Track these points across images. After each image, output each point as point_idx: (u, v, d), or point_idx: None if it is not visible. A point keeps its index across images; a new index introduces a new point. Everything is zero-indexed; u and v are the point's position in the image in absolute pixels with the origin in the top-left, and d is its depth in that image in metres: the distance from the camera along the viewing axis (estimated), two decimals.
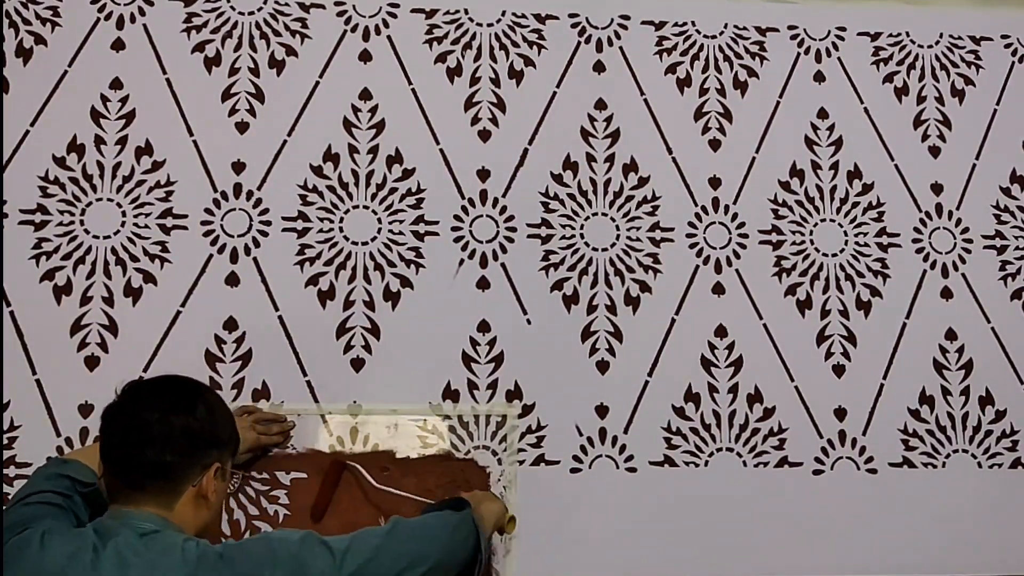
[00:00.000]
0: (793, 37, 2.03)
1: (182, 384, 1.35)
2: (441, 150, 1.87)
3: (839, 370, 1.86)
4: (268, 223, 1.80)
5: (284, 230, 1.80)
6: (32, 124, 1.79)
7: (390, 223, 1.83)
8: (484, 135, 1.89)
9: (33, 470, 1.61)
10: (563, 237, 1.86)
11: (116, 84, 1.84)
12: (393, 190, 1.84)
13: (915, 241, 1.94)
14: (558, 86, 1.93)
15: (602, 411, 1.79)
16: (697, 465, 1.78)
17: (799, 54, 2.02)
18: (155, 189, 1.79)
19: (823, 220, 1.93)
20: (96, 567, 1.15)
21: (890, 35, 2.05)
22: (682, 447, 1.79)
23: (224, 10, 1.89)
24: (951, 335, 1.90)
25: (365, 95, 1.89)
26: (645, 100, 1.95)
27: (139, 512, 1.22)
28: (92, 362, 1.70)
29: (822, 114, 1.99)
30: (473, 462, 1.73)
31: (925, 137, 2.00)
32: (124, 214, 1.78)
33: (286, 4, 1.91)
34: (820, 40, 2.03)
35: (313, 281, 1.79)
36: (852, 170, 1.96)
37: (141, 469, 1.23)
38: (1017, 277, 1.94)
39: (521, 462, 1.74)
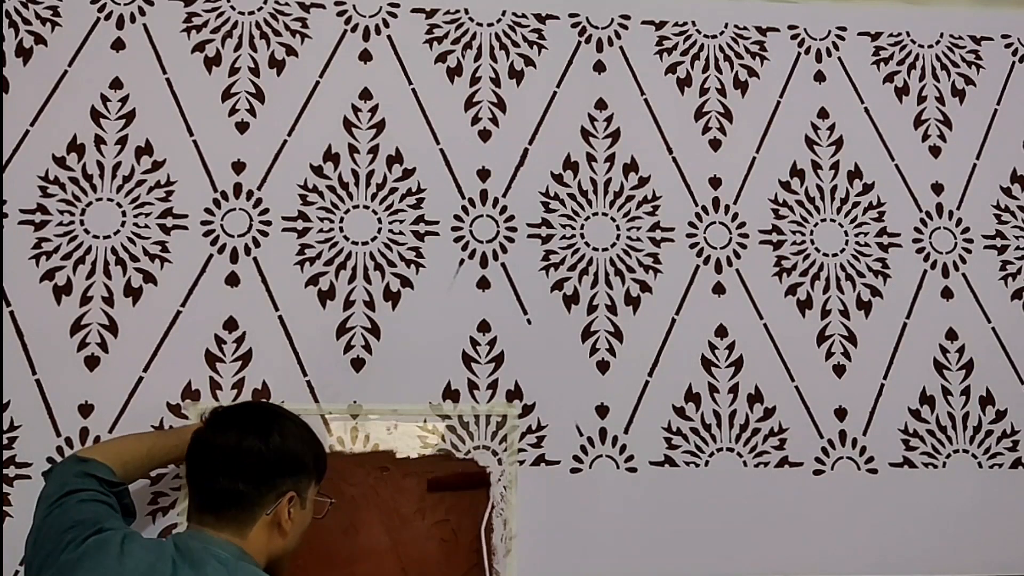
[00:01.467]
0: (793, 37, 2.02)
1: (259, 410, 1.39)
2: (441, 150, 1.87)
3: (839, 370, 1.86)
4: (268, 223, 1.80)
5: (284, 230, 1.80)
6: (32, 124, 1.79)
7: (390, 223, 1.83)
8: (484, 135, 1.89)
9: (33, 470, 1.62)
10: (563, 237, 1.86)
11: (116, 84, 1.83)
12: (393, 190, 1.84)
13: (915, 241, 1.94)
14: (558, 86, 1.93)
15: (602, 411, 1.79)
16: (697, 465, 1.78)
17: (799, 54, 2.01)
18: (155, 189, 1.79)
19: (823, 220, 1.93)
20: None
21: (890, 35, 2.05)
22: (682, 447, 1.79)
23: (224, 10, 1.89)
24: (952, 335, 1.90)
25: (365, 95, 1.89)
26: (645, 100, 1.95)
27: (217, 538, 1.24)
28: (92, 362, 1.70)
29: (822, 114, 1.99)
30: (473, 462, 1.73)
31: (926, 137, 2.00)
32: (124, 214, 1.78)
33: (286, 4, 1.91)
34: (820, 40, 2.03)
35: (313, 281, 1.79)
36: (852, 170, 1.96)
37: (216, 496, 1.26)
38: (1018, 277, 1.94)
39: (521, 462, 1.74)
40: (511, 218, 1.86)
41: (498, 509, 1.71)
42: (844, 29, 2.04)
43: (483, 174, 1.87)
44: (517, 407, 1.77)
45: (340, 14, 1.92)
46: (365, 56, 1.91)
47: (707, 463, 1.79)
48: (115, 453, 1.44)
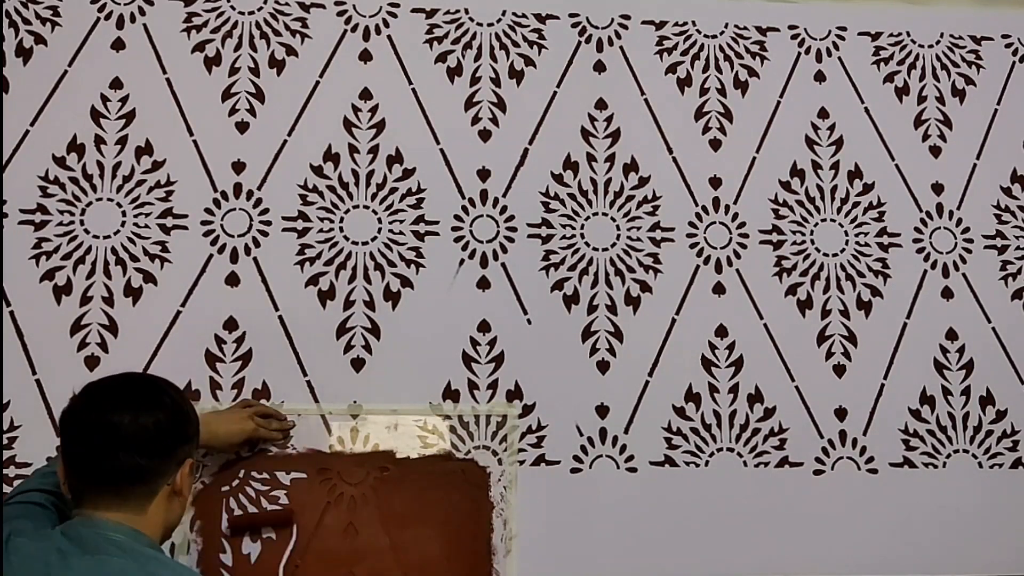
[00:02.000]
0: (794, 37, 2.02)
1: (144, 382, 1.34)
2: (441, 150, 1.87)
3: (840, 370, 1.86)
4: (268, 223, 1.80)
5: (284, 230, 1.80)
6: (32, 124, 1.79)
7: (390, 223, 1.83)
8: (484, 135, 1.89)
9: (32, 470, 1.62)
10: (563, 237, 1.86)
11: (116, 84, 1.83)
12: (393, 190, 1.84)
13: (916, 241, 1.94)
14: (558, 86, 1.93)
15: (602, 411, 1.79)
16: (698, 465, 1.78)
17: (800, 54, 2.01)
18: (155, 189, 1.79)
19: (824, 220, 1.93)
20: (68, 568, 1.13)
21: (891, 35, 2.05)
22: (682, 447, 1.79)
23: (224, 10, 1.89)
24: (952, 335, 1.90)
25: (365, 95, 1.89)
26: (645, 100, 1.95)
27: (108, 521, 1.19)
28: (92, 362, 1.70)
29: (823, 114, 1.99)
30: (473, 462, 1.73)
31: (926, 137, 2.00)
32: (124, 214, 1.78)
33: (286, 4, 1.91)
34: (821, 40, 2.03)
35: (313, 281, 1.79)
36: (853, 170, 1.96)
37: (114, 474, 1.20)
38: (1018, 277, 1.94)
39: (521, 462, 1.74)
40: (511, 218, 1.86)
41: (498, 509, 1.71)
42: (844, 29, 2.04)
43: (483, 174, 1.87)
44: (517, 407, 1.77)
45: (340, 14, 1.92)
46: (365, 56, 1.91)
47: (707, 463, 1.79)
48: None
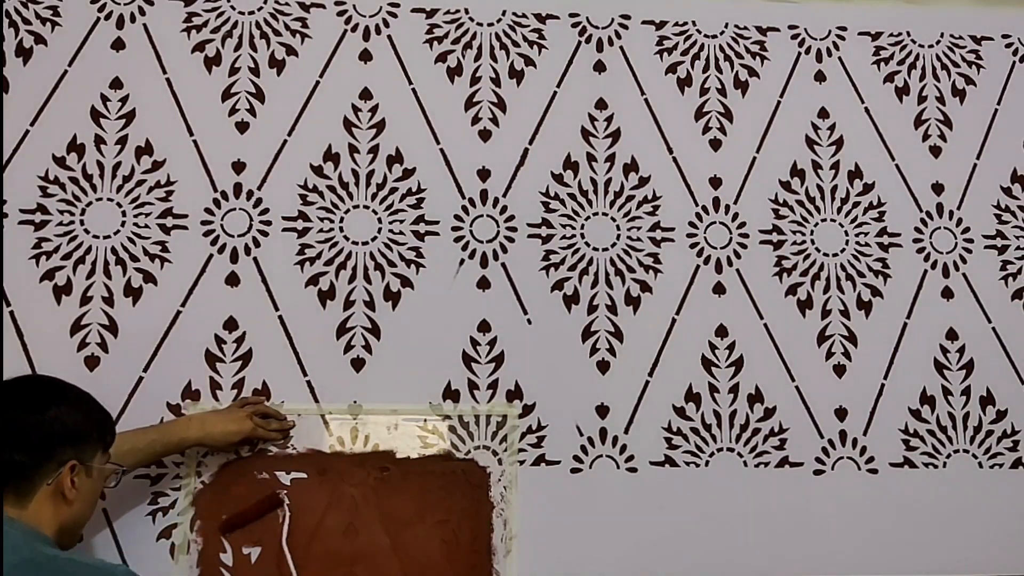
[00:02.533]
0: (794, 37, 2.02)
1: (37, 383, 1.40)
2: (441, 150, 1.87)
3: (840, 370, 1.85)
4: (268, 223, 1.80)
5: (284, 230, 1.80)
6: (32, 124, 1.79)
7: (390, 223, 1.83)
8: (484, 135, 1.89)
9: None
10: (564, 237, 1.86)
11: (116, 84, 1.83)
12: (393, 190, 1.84)
13: (916, 241, 1.94)
14: (559, 86, 1.93)
15: (603, 411, 1.79)
16: (698, 465, 1.78)
17: (800, 54, 2.01)
18: (155, 189, 1.79)
19: (824, 220, 1.93)
20: None
21: (891, 35, 2.05)
22: (683, 447, 1.79)
23: (224, 10, 1.89)
24: (952, 335, 1.90)
25: (365, 95, 1.88)
26: (646, 100, 1.95)
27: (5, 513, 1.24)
28: (92, 362, 1.70)
29: (823, 114, 1.99)
30: (473, 462, 1.73)
31: (926, 137, 2.00)
32: (124, 214, 1.78)
33: (286, 4, 1.91)
34: (821, 40, 2.03)
35: (313, 281, 1.78)
36: (853, 170, 1.96)
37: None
38: (1018, 277, 1.94)
39: (521, 462, 1.74)
40: (511, 218, 1.86)
41: (498, 509, 1.71)
42: (844, 29, 2.04)
43: (483, 174, 1.87)
44: (517, 407, 1.77)
45: (340, 14, 1.92)
46: (365, 56, 1.90)
47: (707, 463, 1.79)
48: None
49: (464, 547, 1.68)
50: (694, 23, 2.00)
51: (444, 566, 1.66)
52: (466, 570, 1.67)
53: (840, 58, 2.02)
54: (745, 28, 2.01)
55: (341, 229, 1.82)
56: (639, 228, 1.88)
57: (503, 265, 1.83)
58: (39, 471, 1.28)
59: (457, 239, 1.83)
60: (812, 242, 1.92)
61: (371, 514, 1.67)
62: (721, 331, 1.85)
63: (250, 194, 1.81)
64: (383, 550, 1.65)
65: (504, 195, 1.87)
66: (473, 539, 1.68)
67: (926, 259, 1.93)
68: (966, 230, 1.96)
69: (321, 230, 1.81)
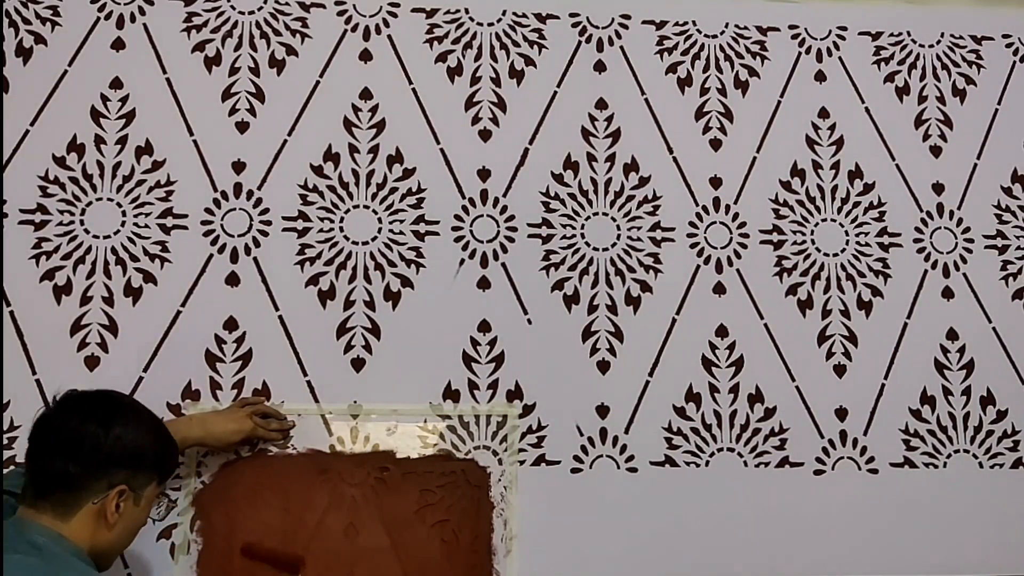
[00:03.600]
0: (794, 37, 2.02)
1: (109, 399, 1.35)
2: (442, 150, 1.87)
3: (840, 370, 1.85)
4: (268, 223, 1.80)
5: (284, 230, 1.80)
6: (32, 124, 1.79)
7: (390, 223, 1.83)
8: (485, 135, 1.89)
9: None
10: (564, 237, 1.86)
11: (116, 83, 1.83)
12: (393, 190, 1.84)
13: (916, 241, 1.94)
14: (559, 85, 1.93)
15: (603, 411, 1.79)
16: (698, 465, 1.78)
17: (800, 54, 2.01)
18: (155, 189, 1.79)
19: (824, 220, 1.93)
20: None
21: (891, 34, 2.05)
22: (683, 447, 1.79)
23: (224, 9, 1.89)
24: (952, 335, 1.90)
25: (365, 95, 1.88)
26: (646, 100, 1.95)
27: (36, 523, 1.21)
28: (92, 362, 1.70)
29: (823, 114, 1.99)
30: (474, 462, 1.73)
31: (926, 137, 2.00)
32: (124, 214, 1.78)
33: (286, 3, 1.91)
34: (821, 40, 2.03)
35: (313, 281, 1.78)
36: (853, 170, 1.96)
37: (47, 477, 1.23)
38: (1018, 277, 1.94)
39: (522, 462, 1.74)
40: (511, 218, 1.86)
41: (498, 509, 1.71)
42: (845, 29, 2.04)
43: (483, 174, 1.87)
44: (518, 407, 1.77)
45: (340, 14, 1.92)
46: (365, 56, 1.90)
47: (707, 463, 1.78)
48: None
49: (464, 547, 1.68)
50: (694, 23, 2.00)
51: (444, 566, 1.66)
52: (466, 570, 1.67)
53: (840, 58, 2.02)
54: (745, 28, 2.01)
55: (341, 229, 1.82)
56: (639, 228, 1.88)
57: (503, 265, 1.83)
58: (89, 487, 1.24)
59: (457, 239, 1.83)
60: (812, 242, 1.92)
61: (371, 514, 1.67)
62: (721, 331, 1.85)
63: (250, 194, 1.81)
64: (383, 550, 1.65)
65: (504, 195, 1.86)
66: (473, 539, 1.68)
67: (926, 259, 1.93)
68: (966, 230, 1.96)
69: (321, 230, 1.81)
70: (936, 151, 1.99)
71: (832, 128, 1.98)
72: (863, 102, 2.00)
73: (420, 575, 1.65)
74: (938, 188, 1.97)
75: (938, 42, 2.06)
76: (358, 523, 1.66)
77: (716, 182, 1.92)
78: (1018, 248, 1.96)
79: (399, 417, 1.74)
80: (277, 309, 1.76)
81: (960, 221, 1.96)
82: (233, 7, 1.89)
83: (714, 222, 1.90)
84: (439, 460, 1.72)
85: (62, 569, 1.18)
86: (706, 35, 2.00)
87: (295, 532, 1.64)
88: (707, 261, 1.88)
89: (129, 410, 1.33)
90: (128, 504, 1.28)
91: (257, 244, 1.79)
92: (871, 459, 1.82)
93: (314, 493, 1.67)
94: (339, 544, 1.65)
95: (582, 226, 1.87)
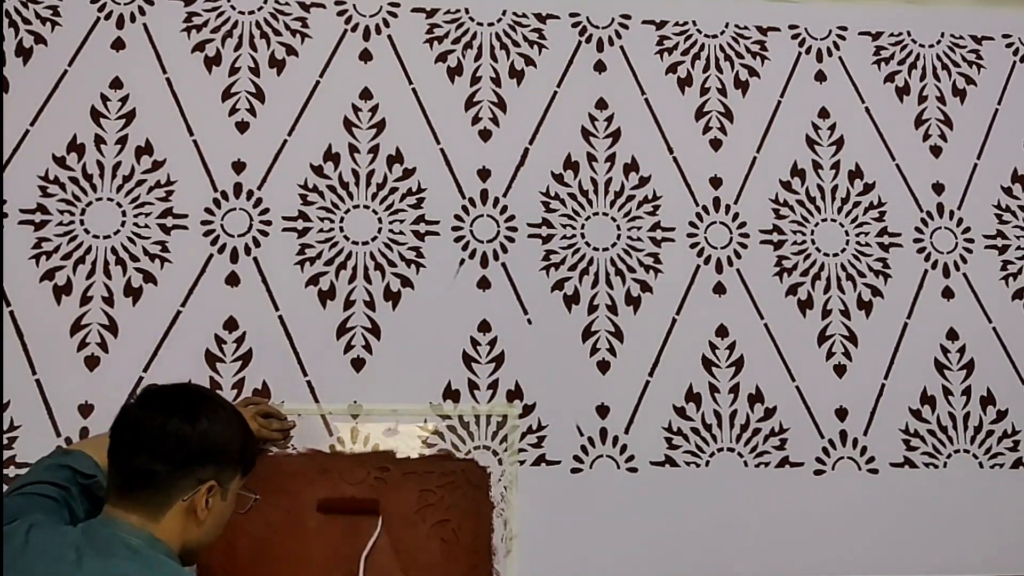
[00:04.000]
0: (794, 37, 2.02)
1: (193, 393, 1.32)
2: (442, 150, 1.87)
3: (840, 370, 1.85)
4: (268, 223, 1.80)
5: (284, 230, 1.80)
6: (32, 124, 1.79)
7: (391, 223, 1.83)
8: (485, 135, 1.89)
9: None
10: (564, 237, 1.86)
11: (116, 83, 1.83)
12: (394, 190, 1.84)
13: (916, 241, 1.94)
14: (559, 85, 1.93)
15: (603, 411, 1.79)
16: (698, 465, 1.78)
17: (800, 53, 2.01)
18: (155, 189, 1.79)
19: (824, 220, 1.93)
20: (80, 568, 1.13)
21: (891, 34, 2.05)
22: (683, 447, 1.79)
23: (224, 9, 1.89)
24: (952, 335, 1.90)
25: (365, 95, 1.88)
26: (646, 100, 1.95)
27: (126, 522, 1.19)
28: (92, 362, 1.70)
29: (823, 114, 1.98)
30: (473, 462, 1.73)
31: (926, 137, 2.00)
32: (124, 214, 1.78)
33: (286, 3, 1.91)
34: (821, 39, 2.03)
35: (313, 281, 1.78)
36: (853, 170, 1.96)
37: (134, 475, 1.21)
38: (1019, 277, 1.94)
39: (522, 462, 1.74)
40: (511, 218, 1.86)
41: (498, 509, 1.71)
42: (845, 29, 2.04)
43: (483, 174, 1.87)
44: (518, 407, 1.77)
45: (340, 14, 1.91)
46: (365, 56, 1.90)
47: (708, 463, 1.78)
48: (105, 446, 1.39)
49: (464, 547, 1.68)
50: (694, 23, 2.00)
51: (444, 566, 1.66)
52: (466, 570, 1.67)
53: (840, 58, 2.02)
54: (745, 28, 2.01)
55: (341, 229, 1.82)
56: (639, 228, 1.88)
57: (503, 265, 1.83)
58: (178, 484, 1.21)
59: (457, 239, 1.83)
60: (812, 242, 1.92)
61: (371, 514, 1.67)
62: (721, 331, 1.85)
63: (250, 194, 1.81)
64: (383, 550, 1.65)
65: (504, 195, 1.86)
66: (473, 539, 1.68)
67: (927, 259, 1.93)
68: (967, 230, 1.96)
69: (321, 230, 1.81)
70: (936, 151, 1.99)
71: (832, 128, 1.98)
72: (863, 102, 2.00)
73: (420, 575, 1.65)
74: (938, 188, 1.97)
75: (938, 42, 2.06)
76: (358, 523, 1.66)
77: (716, 182, 1.92)
78: (1018, 248, 1.96)
79: (399, 417, 1.73)
80: (277, 309, 1.76)
81: (960, 221, 1.96)
82: (233, 7, 1.89)
83: (714, 222, 1.90)
84: (439, 460, 1.72)
85: (159, 572, 1.16)
86: (706, 35, 2.00)
87: (295, 532, 1.64)
88: (707, 261, 1.88)
89: (214, 403, 1.30)
90: (216, 499, 1.25)
91: (257, 244, 1.79)
92: (871, 459, 1.82)
93: (314, 493, 1.67)
94: (339, 544, 1.65)
95: (582, 226, 1.87)
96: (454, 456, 1.73)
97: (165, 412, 1.23)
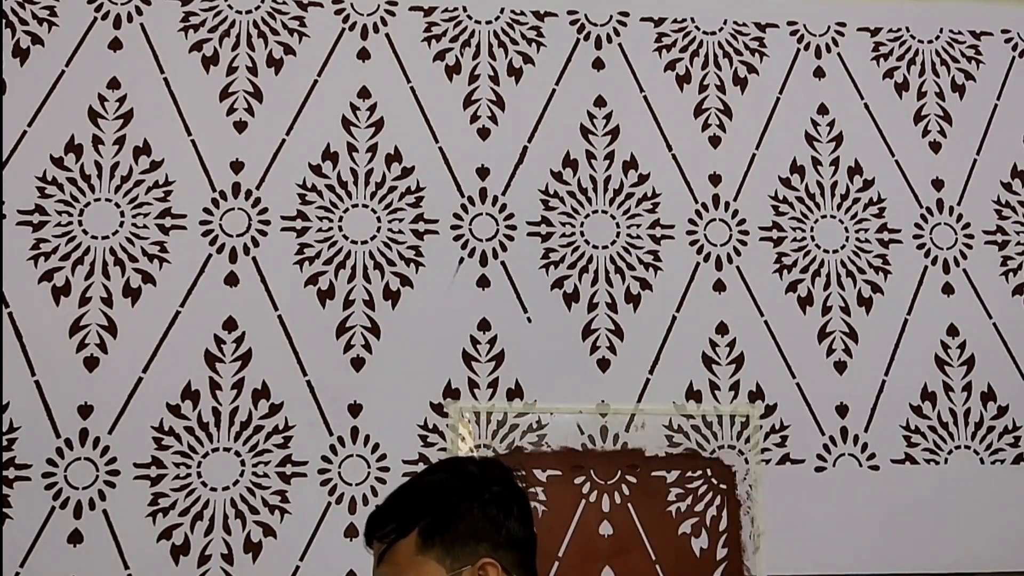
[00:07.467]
0: (793, 33, 2.02)
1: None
2: (440, 148, 1.87)
3: (841, 367, 1.85)
4: (267, 222, 1.80)
5: (283, 229, 1.80)
6: (30, 124, 1.79)
7: (389, 222, 1.83)
8: (483, 133, 1.89)
9: (32, 472, 1.62)
10: (563, 235, 1.86)
11: (114, 84, 1.83)
12: (392, 188, 1.84)
13: (916, 237, 1.94)
14: (557, 83, 1.93)
15: (603, 410, 1.79)
16: (699, 465, 1.78)
17: (799, 50, 2.01)
18: (153, 189, 1.79)
19: (824, 216, 1.93)
20: None
21: (890, 30, 2.05)
22: (681, 446, 1.78)
23: (222, 9, 1.89)
24: (952, 331, 1.90)
25: (364, 93, 1.88)
26: (645, 97, 1.95)
27: None
28: (91, 363, 1.70)
29: (822, 110, 1.98)
30: (719, 461, 1.76)
31: (926, 132, 2.00)
32: (122, 214, 1.77)
33: (284, 2, 1.90)
34: (820, 36, 2.02)
35: (313, 280, 1.78)
36: (852, 166, 1.96)
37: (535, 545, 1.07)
38: (1018, 272, 1.94)
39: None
40: (511, 216, 1.85)
41: (745, 507, 1.75)
42: (843, 25, 2.03)
43: (482, 172, 1.87)
44: (759, 407, 1.77)
45: (338, 12, 1.91)
46: (363, 54, 1.90)
47: (712, 457, 1.78)
48: None
49: (714, 544, 1.72)
50: (693, 19, 2.00)
51: (696, 563, 1.71)
52: (719, 566, 1.72)
53: (839, 54, 2.02)
54: (744, 24, 2.01)
55: (340, 228, 1.81)
56: (639, 225, 1.88)
57: (503, 263, 1.83)
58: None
59: (456, 238, 1.83)
60: (812, 239, 1.91)
61: (624, 511, 1.71)
62: (722, 328, 1.84)
63: (249, 194, 1.81)
64: (638, 546, 1.70)
65: (503, 193, 1.86)
66: (724, 536, 1.73)
67: (926, 255, 1.93)
68: (966, 226, 1.95)
69: (320, 229, 1.81)
70: (936, 147, 1.99)
71: (831, 124, 1.98)
72: (862, 98, 2.00)
73: (674, 571, 1.70)
74: (938, 184, 1.97)
75: (937, 38, 2.06)
76: (612, 519, 1.71)
77: (715, 179, 1.92)
78: (1018, 244, 1.95)
79: (645, 416, 1.77)
80: (276, 309, 1.76)
81: (960, 217, 1.96)
82: (230, 6, 1.89)
83: (713, 219, 1.90)
84: (686, 459, 1.76)
85: None
86: (704, 32, 2.00)
87: (551, 528, 1.69)
88: (707, 258, 1.88)
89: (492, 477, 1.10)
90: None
91: (256, 244, 1.79)
92: (872, 456, 1.82)
93: (568, 489, 1.72)
94: (595, 539, 1.70)
95: (581, 224, 1.87)
96: (700, 455, 1.76)
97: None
